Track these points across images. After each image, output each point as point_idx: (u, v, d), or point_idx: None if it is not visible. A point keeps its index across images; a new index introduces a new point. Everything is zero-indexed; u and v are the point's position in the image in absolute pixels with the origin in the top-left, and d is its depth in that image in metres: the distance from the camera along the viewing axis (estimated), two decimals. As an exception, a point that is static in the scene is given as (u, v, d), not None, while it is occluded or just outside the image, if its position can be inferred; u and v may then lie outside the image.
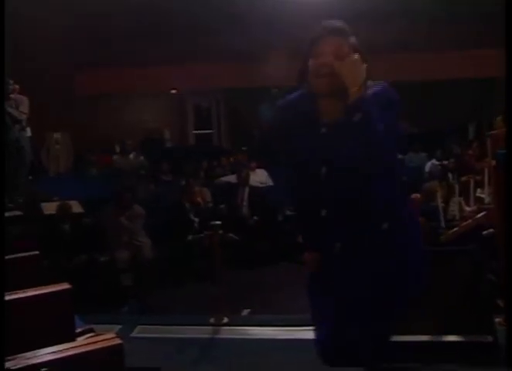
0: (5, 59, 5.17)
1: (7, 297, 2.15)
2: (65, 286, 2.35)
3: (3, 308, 2.09)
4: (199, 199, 7.73)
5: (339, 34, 1.99)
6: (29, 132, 6.95)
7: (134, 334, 4.15)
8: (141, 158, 10.55)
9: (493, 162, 3.58)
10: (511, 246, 2.63)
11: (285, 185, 2.30)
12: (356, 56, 1.94)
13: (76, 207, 7.46)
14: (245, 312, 5.16)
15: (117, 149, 11.41)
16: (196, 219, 7.35)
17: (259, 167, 9.49)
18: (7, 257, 2.67)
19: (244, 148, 10.85)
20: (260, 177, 9.14)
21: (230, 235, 4.82)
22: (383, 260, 2.03)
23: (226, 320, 4.32)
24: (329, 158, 1.99)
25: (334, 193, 2.02)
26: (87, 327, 2.58)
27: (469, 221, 4.26)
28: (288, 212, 8.45)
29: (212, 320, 4.31)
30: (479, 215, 4.22)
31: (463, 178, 6.34)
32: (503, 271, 3.60)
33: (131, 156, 10.75)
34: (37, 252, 2.88)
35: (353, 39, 2.01)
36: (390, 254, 2.04)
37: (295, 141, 2.08)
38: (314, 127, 2.04)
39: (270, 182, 9.22)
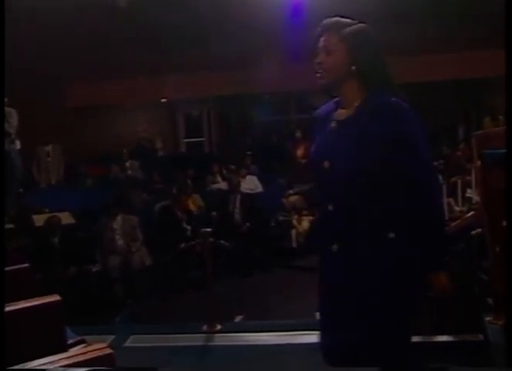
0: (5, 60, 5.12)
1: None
2: (55, 298, 2.35)
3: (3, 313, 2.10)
4: (191, 207, 7.75)
5: (330, 29, 2.06)
6: (18, 145, 6.93)
7: (127, 343, 4.14)
8: (137, 165, 10.60)
9: (479, 162, 3.61)
10: (511, 247, 2.65)
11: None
12: (344, 49, 2.03)
13: (67, 218, 7.47)
14: (238, 319, 5.17)
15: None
16: (189, 227, 7.38)
17: (249, 174, 9.52)
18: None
19: (248, 152, 10.87)
20: (250, 184, 9.17)
21: (222, 242, 4.81)
22: (382, 269, 1.98)
23: (219, 327, 4.33)
24: (333, 153, 2.03)
25: (335, 188, 2.03)
26: (79, 338, 2.59)
27: (458, 221, 4.29)
28: (281, 218, 8.50)
29: (205, 327, 4.31)
30: (468, 215, 4.26)
31: (452, 179, 6.38)
32: (494, 270, 3.64)
33: (128, 164, 10.80)
34: (27, 264, 2.88)
35: (345, 31, 2.05)
36: (392, 265, 1.99)
37: (314, 138, 2.16)
38: (328, 124, 2.11)
39: (260, 189, 9.25)
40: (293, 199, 8.79)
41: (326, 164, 2.03)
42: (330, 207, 2.03)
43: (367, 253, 1.99)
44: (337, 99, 2.16)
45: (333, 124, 2.09)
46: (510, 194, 2.66)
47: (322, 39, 2.07)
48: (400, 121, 1.99)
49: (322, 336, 2.19)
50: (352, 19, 2.11)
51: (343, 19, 2.10)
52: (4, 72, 4.88)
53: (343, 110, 2.09)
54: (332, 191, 2.04)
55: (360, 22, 2.11)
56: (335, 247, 2.03)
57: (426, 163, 2.08)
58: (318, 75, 2.07)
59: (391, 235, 1.98)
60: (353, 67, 2.04)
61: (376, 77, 2.06)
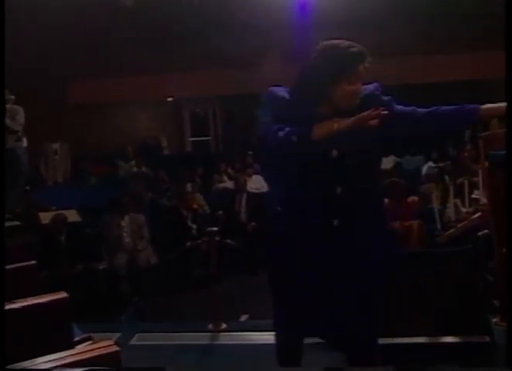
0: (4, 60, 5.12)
1: (5, 307, 2.17)
2: (62, 295, 2.36)
3: (3, 312, 2.11)
4: (195, 206, 7.76)
5: (366, 60, 2.17)
6: (25, 142, 6.95)
7: (133, 341, 4.15)
8: (143, 167, 10.62)
9: (486, 163, 3.60)
10: (511, 246, 2.64)
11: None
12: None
13: (73, 216, 7.49)
14: (243, 318, 5.16)
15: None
16: (194, 226, 7.39)
17: (256, 173, 9.51)
18: (5, 267, 2.68)
19: (250, 152, 10.87)
20: (256, 183, 9.16)
21: (228, 241, 4.81)
22: (379, 241, 2.28)
23: (224, 326, 4.33)
24: (340, 143, 2.14)
25: (344, 173, 2.18)
26: (85, 335, 2.59)
27: (465, 222, 4.28)
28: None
29: (210, 326, 4.32)
30: (475, 216, 4.25)
31: (459, 180, 6.36)
32: (500, 271, 3.63)
33: (133, 163, 10.82)
34: (34, 261, 2.89)
35: (368, 62, 2.18)
36: (385, 236, 2.38)
37: (300, 128, 2.14)
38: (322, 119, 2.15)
39: (265, 188, 9.23)
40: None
41: (335, 153, 2.17)
42: (339, 189, 2.19)
43: (371, 223, 2.25)
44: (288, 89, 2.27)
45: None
46: (510, 195, 2.66)
47: (360, 69, 2.15)
48: (385, 99, 2.25)
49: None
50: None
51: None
52: (4, 71, 4.89)
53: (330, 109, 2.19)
54: (340, 176, 2.19)
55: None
56: (335, 222, 2.19)
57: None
58: (356, 101, 2.17)
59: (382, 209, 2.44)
60: None
61: None
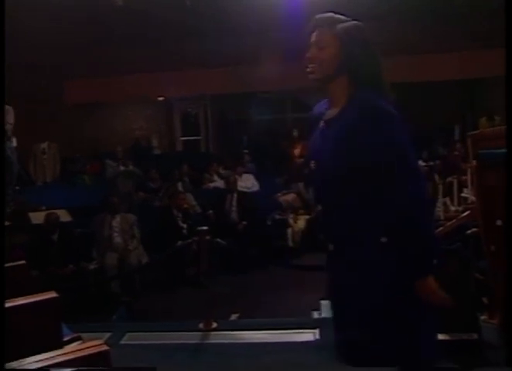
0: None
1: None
2: (52, 295, 2.36)
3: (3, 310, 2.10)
4: (186, 205, 7.76)
5: (323, 25, 2.04)
6: (14, 142, 6.93)
7: (123, 341, 4.15)
8: (131, 166, 10.56)
9: (474, 162, 3.63)
10: (511, 247, 2.66)
11: None
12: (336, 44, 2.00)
13: (64, 216, 7.47)
14: (234, 317, 5.17)
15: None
16: (185, 225, 7.38)
17: (246, 172, 9.52)
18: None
19: (245, 151, 10.91)
20: (247, 182, 9.17)
21: (218, 240, 4.82)
22: (376, 272, 1.93)
23: (215, 325, 4.33)
24: (319, 154, 2.03)
25: (322, 189, 2.04)
26: (75, 335, 2.59)
27: (453, 220, 4.30)
28: (277, 216, 8.51)
29: (201, 325, 4.32)
30: (463, 214, 4.27)
31: (448, 179, 6.40)
32: (490, 269, 3.65)
33: (120, 162, 10.76)
34: (24, 261, 2.89)
35: (338, 27, 2.02)
36: (387, 269, 1.93)
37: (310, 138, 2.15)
38: (319, 124, 2.09)
39: (257, 187, 9.25)
40: (289, 197, 8.79)
41: (312, 164, 2.04)
42: (319, 207, 2.06)
43: (359, 256, 1.95)
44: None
45: (322, 124, 2.07)
46: (510, 194, 2.67)
47: (314, 34, 2.04)
48: (384, 128, 1.91)
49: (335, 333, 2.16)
50: (347, 17, 2.10)
51: (336, 15, 2.07)
52: (4, 72, 4.86)
53: (332, 110, 2.06)
54: (319, 191, 2.07)
55: (354, 20, 2.07)
56: (331, 247, 2.03)
57: (412, 170, 1.96)
58: (308, 70, 2.04)
59: (383, 239, 1.92)
60: (344, 64, 2.00)
61: (365, 76, 2.01)
